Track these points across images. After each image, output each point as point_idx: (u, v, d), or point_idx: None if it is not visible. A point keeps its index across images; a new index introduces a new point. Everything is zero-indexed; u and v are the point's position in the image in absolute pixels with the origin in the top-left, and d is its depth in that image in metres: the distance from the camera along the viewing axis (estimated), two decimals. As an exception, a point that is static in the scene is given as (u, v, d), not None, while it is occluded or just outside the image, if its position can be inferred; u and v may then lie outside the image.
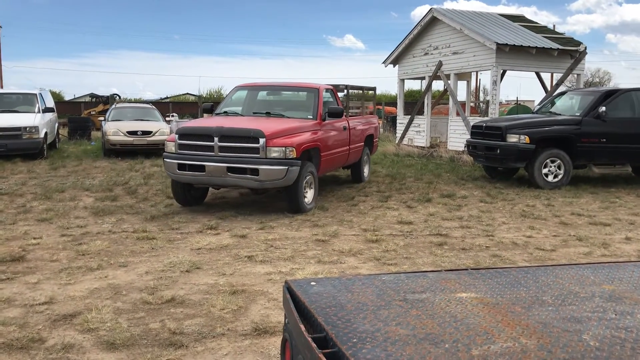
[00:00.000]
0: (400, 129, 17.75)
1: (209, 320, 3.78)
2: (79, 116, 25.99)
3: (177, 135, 7.56)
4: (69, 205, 7.93)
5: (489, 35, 13.70)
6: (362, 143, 10.18)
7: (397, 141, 17.81)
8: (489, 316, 1.79)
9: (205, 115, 12.10)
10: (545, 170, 9.95)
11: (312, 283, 2.14)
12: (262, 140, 7.06)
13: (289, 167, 7.07)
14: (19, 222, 6.82)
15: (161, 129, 15.29)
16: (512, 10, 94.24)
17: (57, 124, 17.30)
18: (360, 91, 12.45)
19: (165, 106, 34.15)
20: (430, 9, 15.77)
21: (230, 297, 4.18)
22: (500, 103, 18.36)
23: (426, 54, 16.24)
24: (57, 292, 4.31)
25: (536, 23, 16.41)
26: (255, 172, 7.04)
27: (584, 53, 14.06)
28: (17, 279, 4.66)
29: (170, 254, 5.42)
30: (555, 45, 13.82)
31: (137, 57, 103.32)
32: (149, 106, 18.26)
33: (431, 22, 15.86)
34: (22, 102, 15.02)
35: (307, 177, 7.57)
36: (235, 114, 8.68)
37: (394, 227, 6.76)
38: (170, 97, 47.55)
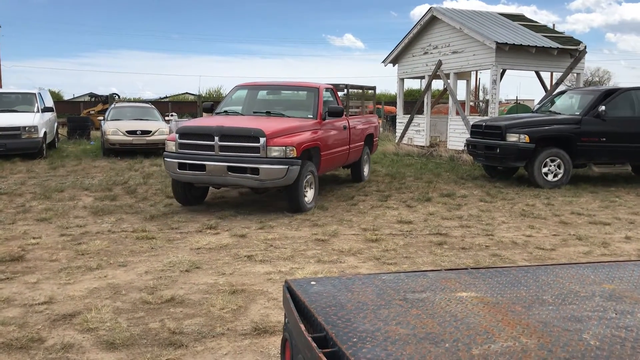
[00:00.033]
0: (399, 128, 17.75)
1: (209, 319, 3.78)
2: (78, 116, 26.01)
3: (177, 135, 7.56)
4: (68, 205, 7.93)
5: (489, 35, 13.69)
6: (362, 142, 10.18)
7: (396, 140, 17.81)
8: (489, 315, 1.78)
9: (204, 114, 12.11)
10: (545, 170, 9.95)
11: (312, 282, 2.13)
12: (262, 140, 7.06)
13: (289, 167, 7.07)
14: (18, 222, 6.82)
15: (160, 128, 15.29)
16: (512, 9, 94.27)
17: (56, 124, 17.29)
18: (360, 90, 12.45)
19: (165, 106, 34.15)
20: (430, 8, 15.77)
21: (230, 297, 4.18)
22: (500, 102, 18.37)
23: (426, 53, 16.24)
24: (56, 292, 4.31)
25: (536, 22, 16.41)
26: (255, 171, 7.05)
27: (583, 52, 14.06)
28: (17, 278, 4.66)
29: (169, 254, 5.42)
30: (555, 45, 13.81)
31: (136, 57, 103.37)
32: (148, 106, 18.25)
33: (431, 21, 15.86)
34: (21, 101, 15.01)
35: (308, 177, 7.57)
36: (236, 113, 8.67)
37: (393, 227, 6.76)
38: (169, 97, 47.58)
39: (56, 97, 38.04)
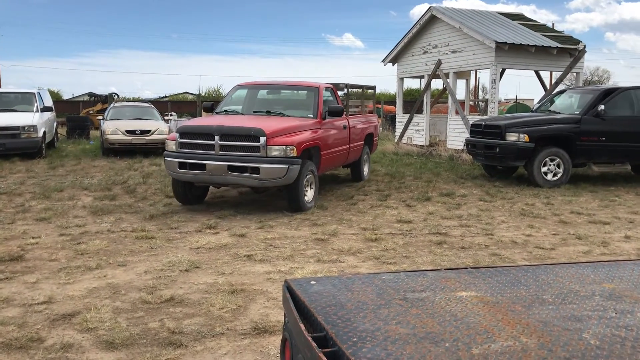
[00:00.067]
0: (399, 127, 17.75)
1: (208, 319, 3.78)
2: (78, 115, 25.98)
3: (178, 134, 7.57)
4: (68, 205, 7.92)
5: (488, 34, 13.69)
6: (362, 142, 10.18)
7: (396, 140, 17.81)
8: (489, 315, 1.78)
9: (204, 113, 12.11)
10: (544, 169, 9.95)
11: (312, 282, 2.13)
12: (262, 139, 7.06)
13: (289, 166, 7.08)
14: (17, 222, 6.81)
15: (160, 128, 15.29)
16: (511, 8, 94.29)
17: (55, 123, 17.28)
18: (360, 90, 12.45)
19: (164, 105, 34.12)
20: (430, 7, 15.77)
21: (230, 297, 4.18)
22: (500, 101, 18.37)
23: (425, 52, 16.24)
24: (56, 292, 4.31)
25: (535, 21, 16.42)
26: (256, 170, 7.05)
27: (583, 51, 14.06)
28: (16, 278, 4.65)
29: (169, 253, 5.41)
30: (554, 44, 13.82)
31: (136, 57, 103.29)
32: (148, 105, 18.24)
33: (430, 21, 15.85)
34: (21, 101, 15.00)
35: (308, 176, 7.57)
36: (236, 112, 8.68)
37: (393, 226, 6.76)
38: (169, 96, 47.53)
39: (55, 96, 38.02)
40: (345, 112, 9.54)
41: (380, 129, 17.76)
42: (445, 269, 2.34)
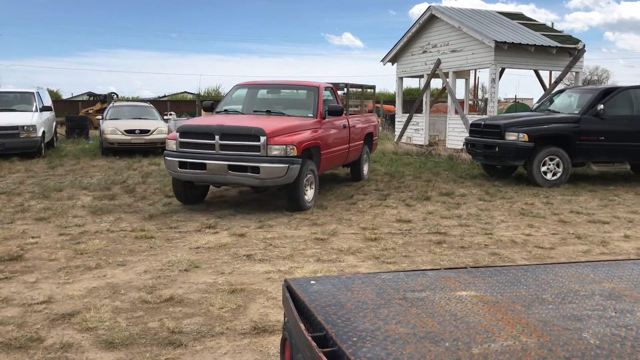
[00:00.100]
0: (398, 127, 17.75)
1: (208, 319, 3.78)
2: (77, 115, 25.93)
3: (178, 134, 7.57)
4: (67, 204, 7.92)
5: (488, 33, 13.69)
6: (362, 141, 10.19)
7: (395, 139, 17.81)
8: (489, 314, 1.78)
9: (204, 113, 12.11)
10: (544, 168, 9.96)
11: (312, 282, 2.13)
12: (263, 139, 7.07)
13: (289, 165, 7.08)
14: (16, 221, 6.81)
15: (159, 127, 15.28)
16: (511, 7, 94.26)
17: (54, 123, 17.26)
18: (360, 89, 12.45)
19: (163, 105, 34.10)
20: (429, 6, 15.76)
21: (229, 296, 4.18)
22: (499, 101, 18.36)
23: (424, 52, 16.23)
24: (55, 291, 4.30)
25: (535, 21, 16.41)
26: (256, 170, 7.05)
27: (582, 51, 14.06)
28: (15, 278, 4.65)
29: (168, 253, 5.41)
30: (553, 43, 13.81)
31: (135, 56, 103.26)
32: (147, 105, 18.23)
33: (429, 20, 15.85)
34: (20, 100, 14.98)
35: (308, 175, 7.58)
36: (236, 112, 8.69)
37: (392, 226, 6.76)
38: (168, 96, 47.47)
39: (54, 96, 37.98)
40: (345, 112, 9.55)
41: (380, 128, 17.76)
42: (444, 269, 2.34)
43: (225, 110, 8.77)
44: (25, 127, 13.37)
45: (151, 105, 18.22)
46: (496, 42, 13.21)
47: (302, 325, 1.72)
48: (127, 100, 34.01)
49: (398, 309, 1.83)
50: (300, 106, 8.66)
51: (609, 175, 11.51)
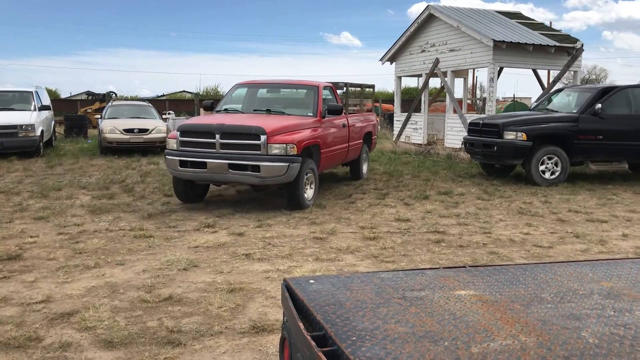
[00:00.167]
0: (397, 126, 17.75)
1: (207, 318, 3.78)
2: (76, 114, 25.88)
3: (178, 133, 7.58)
4: (66, 204, 7.91)
5: (486, 32, 13.69)
6: (361, 140, 10.20)
7: (394, 138, 17.81)
8: (488, 314, 1.78)
9: (204, 112, 12.11)
10: (542, 167, 9.97)
11: (311, 281, 2.13)
12: (263, 137, 7.08)
13: (290, 164, 7.09)
14: (15, 221, 6.80)
15: (158, 126, 15.27)
16: (509, 7, 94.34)
17: (53, 122, 17.24)
18: (359, 89, 12.45)
19: (162, 104, 34.08)
20: (427, 6, 15.76)
21: (228, 295, 4.18)
22: (497, 100, 18.33)
23: (423, 51, 16.23)
24: (54, 291, 4.30)
25: (533, 20, 16.42)
26: (256, 168, 7.07)
27: (580, 50, 14.08)
28: (14, 277, 4.64)
29: (167, 252, 5.41)
30: (552, 42, 13.82)
31: (133, 55, 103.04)
32: (146, 104, 18.20)
33: (428, 19, 15.85)
34: (18, 100, 14.96)
35: (308, 174, 7.59)
36: (236, 111, 8.71)
37: (391, 225, 6.76)
38: (166, 95, 47.40)
39: (53, 95, 37.92)
40: (344, 111, 9.55)
41: (379, 127, 17.76)
42: (443, 268, 2.35)
43: (225, 110, 8.78)
44: (23, 127, 13.35)
45: (150, 104, 18.19)
46: (494, 41, 13.21)
47: (301, 325, 1.72)
48: (126, 99, 33.98)
49: (397, 308, 1.83)
50: (300, 105, 8.67)
51: (607, 174, 11.52)
